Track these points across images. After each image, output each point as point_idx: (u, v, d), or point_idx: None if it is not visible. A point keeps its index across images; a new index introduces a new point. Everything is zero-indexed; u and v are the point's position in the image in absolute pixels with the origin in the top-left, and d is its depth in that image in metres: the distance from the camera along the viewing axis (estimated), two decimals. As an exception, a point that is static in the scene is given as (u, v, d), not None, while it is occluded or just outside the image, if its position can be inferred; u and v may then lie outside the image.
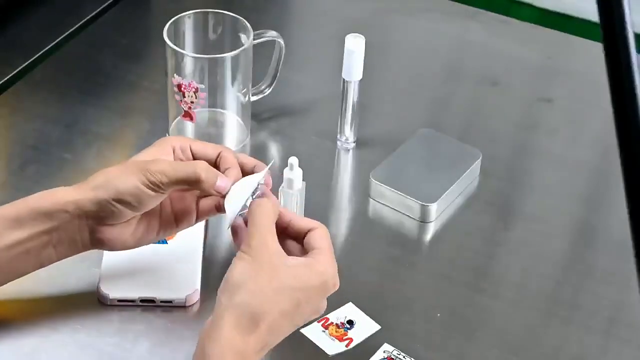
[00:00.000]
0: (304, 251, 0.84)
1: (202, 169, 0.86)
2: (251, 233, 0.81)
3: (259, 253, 0.79)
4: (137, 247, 0.89)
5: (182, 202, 0.90)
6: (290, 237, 0.85)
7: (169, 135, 1.11)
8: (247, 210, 0.85)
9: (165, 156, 0.88)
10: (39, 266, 0.87)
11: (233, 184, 0.86)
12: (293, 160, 0.95)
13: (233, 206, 0.85)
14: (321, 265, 0.81)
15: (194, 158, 0.90)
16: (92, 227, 0.86)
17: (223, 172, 0.88)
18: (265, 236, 0.81)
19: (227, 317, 0.77)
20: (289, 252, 0.83)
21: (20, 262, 0.86)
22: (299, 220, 0.85)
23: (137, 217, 0.88)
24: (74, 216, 0.85)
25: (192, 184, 0.86)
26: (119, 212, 0.85)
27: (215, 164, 0.89)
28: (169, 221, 0.90)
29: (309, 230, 0.84)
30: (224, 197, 0.86)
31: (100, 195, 0.85)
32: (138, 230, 0.88)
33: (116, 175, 0.86)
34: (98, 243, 0.87)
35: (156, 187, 0.85)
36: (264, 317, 0.78)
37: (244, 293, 0.78)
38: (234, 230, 0.85)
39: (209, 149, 0.90)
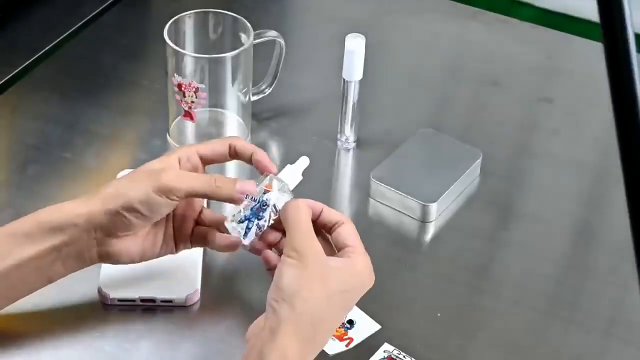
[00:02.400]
0: (332, 244, 0.85)
1: (219, 181, 0.86)
2: (293, 236, 0.81)
3: (305, 257, 0.80)
4: (141, 261, 0.89)
5: (182, 224, 0.90)
6: (315, 224, 0.86)
7: (169, 135, 1.11)
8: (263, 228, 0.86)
9: (170, 167, 0.88)
10: (48, 282, 0.87)
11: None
12: (304, 162, 0.92)
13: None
14: (360, 265, 0.83)
15: (203, 162, 0.90)
16: (101, 240, 0.85)
17: (249, 160, 0.89)
18: (309, 238, 0.82)
19: (288, 328, 0.78)
20: None
21: (31, 278, 0.86)
22: (328, 212, 0.86)
23: (144, 231, 0.87)
24: (83, 230, 0.84)
25: (208, 196, 0.86)
26: (128, 222, 0.84)
27: (230, 156, 0.90)
28: (170, 242, 0.90)
29: (335, 224, 0.85)
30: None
31: (109, 206, 0.84)
32: (145, 243, 0.88)
33: (125, 185, 0.85)
34: (105, 257, 0.87)
35: (169, 193, 0.84)
36: (322, 325, 0.79)
37: (302, 302, 0.78)
38: (257, 251, 0.87)
39: (217, 147, 0.90)
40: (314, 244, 0.81)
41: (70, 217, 0.84)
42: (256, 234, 0.86)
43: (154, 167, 0.87)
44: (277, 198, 0.87)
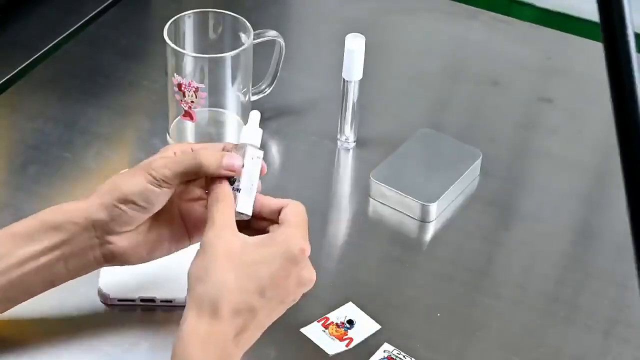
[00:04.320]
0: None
1: (202, 154, 0.84)
2: (207, 227, 0.81)
3: (212, 245, 0.79)
4: (151, 260, 0.88)
5: (192, 213, 0.89)
6: (266, 219, 0.84)
7: (169, 135, 1.11)
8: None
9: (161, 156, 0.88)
10: (51, 285, 0.87)
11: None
12: (256, 116, 0.89)
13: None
14: (281, 235, 0.81)
15: None
16: (102, 239, 0.85)
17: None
18: (220, 229, 0.80)
19: (189, 310, 0.77)
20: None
21: (32, 279, 0.85)
22: (269, 201, 0.85)
23: (146, 225, 0.87)
24: (83, 228, 0.84)
25: (196, 172, 0.85)
26: (126, 215, 0.84)
27: None
28: (180, 233, 0.89)
29: (282, 208, 0.84)
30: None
31: (106, 200, 0.84)
32: (149, 239, 0.87)
33: (120, 179, 0.85)
34: (110, 257, 0.86)
35: (161, 181, 0.84)
36: (224, 300, 0.77)
37: (200, 284, 0.78)
38: None
39: (210, 148, 0.89)
40: (225, 234, 0.80)
41: (69, 215, 0.84)
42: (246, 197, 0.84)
43: (146, 160, 0.87)
44: (255, 164, 0.85)
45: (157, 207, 0.86)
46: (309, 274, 0.81)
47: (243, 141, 0.86)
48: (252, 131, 0.87)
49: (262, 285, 0.79)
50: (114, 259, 0.86)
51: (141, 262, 0.88)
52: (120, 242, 0.85)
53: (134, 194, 0.84)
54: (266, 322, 0.81)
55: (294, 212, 0.83)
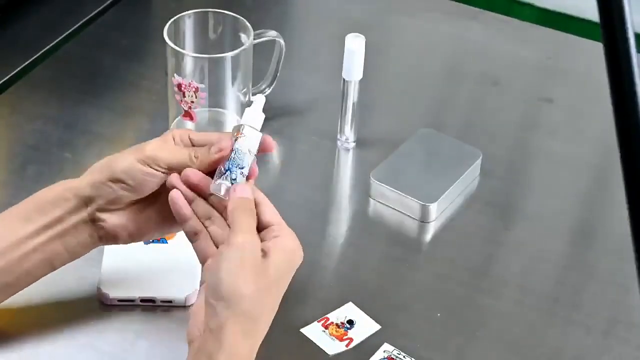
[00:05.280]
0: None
1: (191, 153, 0.86)
2: (234, 230, 0.80)
3: (244, 252, 0.79)
4: (141, 240, 0.89)
5: None
6: None
7: (169, 135, 1.11)
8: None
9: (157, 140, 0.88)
10: (50, 267, 0.87)
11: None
12: (260, 100, 0.90)
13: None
14: (289, 245, 0.82)
15: (193, 145, 0.89)
16: (93, 215, 0.86)
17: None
18: (248, 233, 0.80)
19: (232, 327, 0.77)
20: None
21: (31, 261, 0.86)
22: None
23: (138, 207, 0.87)
24: (74, 205, 0.86)
25: (187, 166, 0.86)
26: (114, 193, 0.85)
27: None
28: (172, 218, 0.88)
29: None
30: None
31: (96, 178, 0.86)
32: (139, 220, 0.87)
33: (111, 158, 0.87)
34: (103, 234, 0.87)
35: (150, 162, 0.85)
36: (262, 317, 0.79)
37: (242, 300, 0.78)
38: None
39: (210, 135, 0.89)
40: (251, 239, 0.80)
41: (61, 193, 0.86)
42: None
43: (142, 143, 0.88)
44: (249, 141, 0.86)
45: (147, 189, 0.86)
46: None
47: (242, 122, 0.87)
48: (252, 113, 0.88)
49: (279, 300, 0.81)
50: (107, 237, 0.87)
51: (131, 242, 0.88)
52: (110, 219, 0.86)
53: (123, 173, 0.85)
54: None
55: (274, 210, 0.84)
